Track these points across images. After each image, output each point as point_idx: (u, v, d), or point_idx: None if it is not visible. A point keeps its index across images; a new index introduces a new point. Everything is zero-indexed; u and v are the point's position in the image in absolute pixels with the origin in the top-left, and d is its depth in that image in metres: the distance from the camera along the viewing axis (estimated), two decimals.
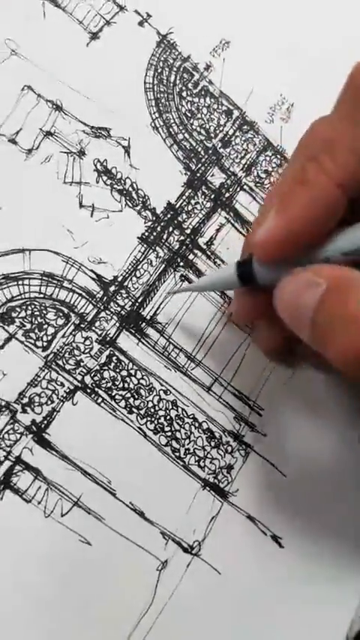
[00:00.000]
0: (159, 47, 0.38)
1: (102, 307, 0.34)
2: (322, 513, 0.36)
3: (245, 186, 0.38)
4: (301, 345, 0.29)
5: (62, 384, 0.32)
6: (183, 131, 0.37)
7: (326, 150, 0.27)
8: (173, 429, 0.34)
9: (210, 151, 0.38)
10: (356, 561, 0.36)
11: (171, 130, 0.37)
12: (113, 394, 0.33)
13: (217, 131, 0.38)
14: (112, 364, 0.33)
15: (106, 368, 0.33)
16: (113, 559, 0.31)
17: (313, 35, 0.42)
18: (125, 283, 0.34)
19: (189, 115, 0.38)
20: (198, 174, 0.37)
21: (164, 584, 0.32)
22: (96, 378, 0.33)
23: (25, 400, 0.31)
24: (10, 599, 0.29)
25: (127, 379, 0.33)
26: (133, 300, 0.34)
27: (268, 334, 0.33)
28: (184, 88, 0.38)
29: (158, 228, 0.36)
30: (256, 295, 0.31)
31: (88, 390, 0.32)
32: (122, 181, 0.35)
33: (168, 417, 0.34)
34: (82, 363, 0.33)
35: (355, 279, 0.26)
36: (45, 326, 0.32)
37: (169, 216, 0.36)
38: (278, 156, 0.40)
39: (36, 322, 0.32)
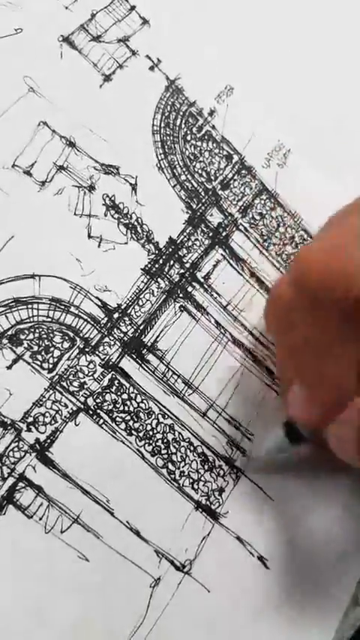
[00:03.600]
0: (167, 91, 0.40)
1: (106, 333, 0.35)
2: (307, 536, 0.37)
3: (241, 227, 0.41)
4: None
5: (66, 405, 0.33)
6: (186, 173, 0.40)
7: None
8: (170, 451, 0.35)
9: (210, 193, 0.40)
10: (339, 584, 0.38)
11: (175, 171, 0.39)
12: (114, 416, 0.34)
13: (217, 174, 0.41)
14: (114, 387, 0.35)
15: (108, 391, 0.35)
16: (109, 575, 0.32)
17: (311, 86, 0.45)
18: (128, 311, 0.36)
19: (192, 157, 0.40)
20: (198, 213, 0.40)
21: (156, 600, 0.33)
22: (98, 400, 0.34)
23: (30, 419, 0.33)
24: (8, 610, 0.30)
25: (128, 402, 0.35)
26: (135, 327, 0.36)
27: None
28: (188, 132, 0.40)
29: (160, 261, 0.38)
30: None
31: (90, 412, 0.34)
32: (128, 216, 0.37)
33: (165, 440, 0.35)
34: (85, 386, 0.34)
35: None
36: (51, 349, 0.34)
37: (170, 250, 0.38)
38: (272, 200, 0.42)
39: (43, 345, 0.34)
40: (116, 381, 0.35)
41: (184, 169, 0.40)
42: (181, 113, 0.41)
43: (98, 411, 0.34)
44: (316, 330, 0.29)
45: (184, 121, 0.41)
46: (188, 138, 0.41)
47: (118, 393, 0.35)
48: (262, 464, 0.37)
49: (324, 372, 0.30)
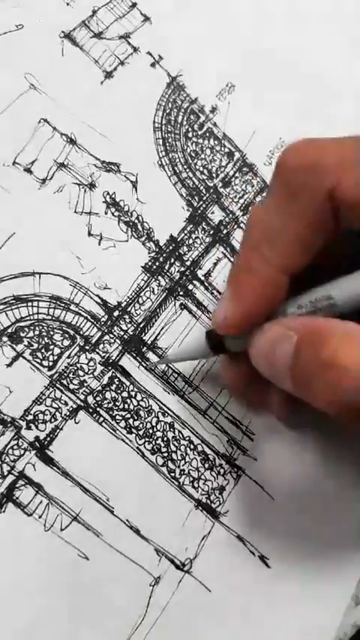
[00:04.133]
0: (169, 88, 0.40)
1: (106, 331, 0.35)
2: (308, 536, 0.37)
3: (242, 225, 0.41)
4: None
5: (66, 403, 0.33)
6: (187, 170, 0.40)
7: (267, 241, 0.30)
8: (170, 450, 0.35)
9: (211, 190, 0.40)
10: (339, 582, 0.37)
11: (176, 168, 0.39)
12: (114, 414, 0.34)
13: (219, 172, 0.41)
14: (114, 385, 0.35)
15: (108, 389, 0.35)
16: (109, 574, 0.32)
17: (313, 84, 0.45)
18: (128, 309, 0.36)
19: (193, 155, 0.40)
20: (199, 211, 0.39)
21: (156, 599, 0.33)
22: (98, 399, 0.34)
23: (30, 417, 0.32)
24: (8, 609, 0.30)
25: (128, 400, 0.35)
26: (135, 325, 0.36)
27: (264, 397, 0.35)
28: (190, 129, 0.40)
29: (161, 259, 0.38)
30: (239, 362, 0.34)
31: (90, 410, 0.34)
32: (129, 214, 0.37)
33: (165, 439, 0.35)
34: (85, 384, 0.34)
35: (325, 324, 0.28)
36: (51, 346, 0.34)
37: (171, 248, 0.38)
38: None
39: (43, 342, 0.34)
40: (116, 379, 0.35)
41: (185, 167, 0.40)
42: (183, 110, 0.40)
43: (98, 409, 0.34)
44: (274, 216, 0.30)
45: (185, 118, 0.40)
46: (190, 135, 0.40)
47: (118, 391, 0.35)
48: (174, 362, 0.37)
49: (260, 265, 0.30)
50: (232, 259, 0.40)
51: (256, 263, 0.30)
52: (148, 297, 0.37)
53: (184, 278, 0.38)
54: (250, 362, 0.31)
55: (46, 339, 0.34)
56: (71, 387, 0.34)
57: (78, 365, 0.34)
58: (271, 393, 0.34)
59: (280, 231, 0.30)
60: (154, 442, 0.35)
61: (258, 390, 0.34)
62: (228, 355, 0.34)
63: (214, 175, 0.41)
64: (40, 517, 0.31)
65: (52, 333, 0.34)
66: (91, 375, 0.34)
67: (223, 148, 0.41)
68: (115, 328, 0.35)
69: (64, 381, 0.34)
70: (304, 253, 0.30)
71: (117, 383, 0.35)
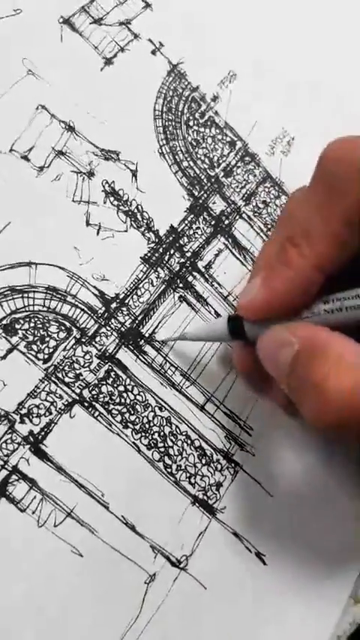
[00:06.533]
0: (169, 76, 0.39)
1: (103, 323, 0.34)
2: (306, 533, 0.37)
3: (244, 215, 0.40)
4: None
5: (61, 397, 0.33)
6: (188, 159, 0.39)
7: (304, 236, 0.30)
8: (166, 445, 0.35)
9: (212, 180, 0.39)
10: (337, 580, 0.37)
11: (177, 157, 0.38)
12: (110, 408, 0.34)
13: (220, 161, 0.40)
14: (110, 379, 0.34)
15: (104, 382, 0.34)
16: (103, 571, 0.32)
17: (315, 73, 0.44)
18: (126, 301, 0.35)
19: (194, 143, 0.39)
20: (200, 201, 0.39)
21: (152, 597, 0.33)
22: (94, 392, 0.34)
23: (24, 411, 0.32)
24: (0, 605, 0.30)
25: (124, 394, 0.34)
26: (133, 318, 0.35)
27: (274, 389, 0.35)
28: (191, 117, 0.39)
29: (160, 250, 0.37)
30: (252, 349, 0.33)
31: (86, 404, 0.33)
32: (128, 203, 0.36)
33: (162, 434, 0.35)
34: (81, 377, 0.33)
35: (325, 342, 0.28)
36: (47, 339, 0.33)
37: (171, 238, 0.37)
38: (276, 187, 0.41)
39: (38, 335, 0.33)
40: (113, 373, 0.34)
41: (186, 155, 0.39)
42: (184, 98, 0.39)
43: (94, 403, 0.33)
44: (313, 210, 0.30)
45: (186, 107, 0.39)
46: (191, 123, 0.39)
47: (115, 385, 0.34)
48: (190, 340, 0.36)
49: (298, 259, 0.30)
50: (233, 251, 0.39)
51: (293, 257, 0.30)
52: (146, 289, 0.36)
53: (184, 269, 0.37)
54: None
55: (41, 331, 0.33)
56: (67, 380, 0.33)
57: (74, 358, 0.33)
58: (276, 382, 0.34)
59: (318, 228, 0.30)
60: (150, 437, 0.34)
61: (265, 377, 0.34)
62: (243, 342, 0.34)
63: (215, 165, 0.40)
64: (33, 513, 0.31)
65: (47, 325, 0.33)
66: (87, 369, 0.34)
67: (224, 137, 0.40)
68: (113, 321, 0.35)
69: (60, 375, 0.33)
70: (341, 252, 0.30)
71: (113, 377, 0.34)
